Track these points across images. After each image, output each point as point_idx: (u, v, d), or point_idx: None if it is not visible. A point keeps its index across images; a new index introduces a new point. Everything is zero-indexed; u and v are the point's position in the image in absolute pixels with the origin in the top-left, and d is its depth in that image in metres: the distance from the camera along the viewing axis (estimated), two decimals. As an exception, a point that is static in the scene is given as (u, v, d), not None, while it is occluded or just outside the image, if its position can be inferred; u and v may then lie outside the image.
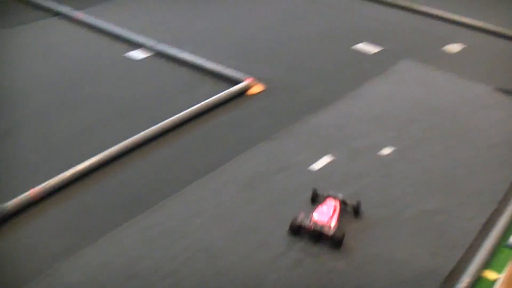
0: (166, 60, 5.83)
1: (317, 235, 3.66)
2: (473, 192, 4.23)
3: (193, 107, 4.90)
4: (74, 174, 4.04)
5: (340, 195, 3.95)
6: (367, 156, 4.55)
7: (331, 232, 3.63)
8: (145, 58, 5.84)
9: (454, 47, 6.70)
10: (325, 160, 4.45)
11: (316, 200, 3.97)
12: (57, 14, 6.69)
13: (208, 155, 4.47)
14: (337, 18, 7.33)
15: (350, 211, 3.93)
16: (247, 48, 6.27)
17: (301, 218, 3.70)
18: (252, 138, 4.68)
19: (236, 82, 5.40)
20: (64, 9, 6.73)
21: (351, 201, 3.93)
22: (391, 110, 5.25)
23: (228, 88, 5.30)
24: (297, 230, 3.69)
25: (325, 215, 3.76)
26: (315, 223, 3.67)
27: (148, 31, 6.37)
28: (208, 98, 5.06)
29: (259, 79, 5.52)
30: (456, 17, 7.47)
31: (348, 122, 5.04)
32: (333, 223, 3.70)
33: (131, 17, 6.83)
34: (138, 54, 5.88)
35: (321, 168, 4.36)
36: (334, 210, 3.82)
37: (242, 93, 5.30)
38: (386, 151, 4.62)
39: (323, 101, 5.33)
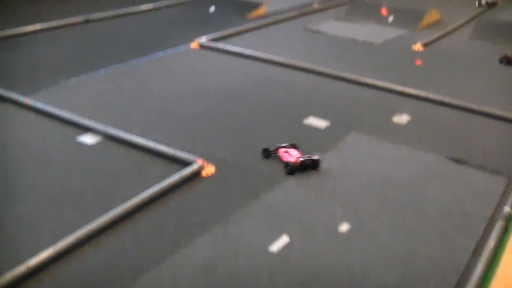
0: (116, 143, 5.74)
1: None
2: (433, 264, 4.21)
3: (146, 193, 4.79)
4: (24, 271, 3.86)
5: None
6: (324, 233, 4.50)
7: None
8: (95, 142, 5.75)
9: (402, 118, 6.81)
10: (282, 240, 4.38)
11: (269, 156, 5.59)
12: (4, 99, 6.59)
13: (164, 241, 4.35)
14: (286, 92, 7.40)
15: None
16: (197, 128, 6.23)
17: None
18: (208, 221, 4.58)
19: (188, 163, 5.33)
20: (12, 95, 6.63)
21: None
22: (345, 185, 5.24)
23: (180, 169, 5.22)
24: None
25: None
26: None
27: (97, 113, 6.29)
28: (160, 182, 4.97)
29: (210, 159, 5.47)
30: (402, 88, 7.64)
31: (303, 199, 5.01)
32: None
33: (80, 100, 6.76)
34: (88, 139, 5.79)
35: (279, 249, 4.29)
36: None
37: (194, 175, 5.23)
38: (343, 227, 4.59)
39: (276, 179, 5.30)
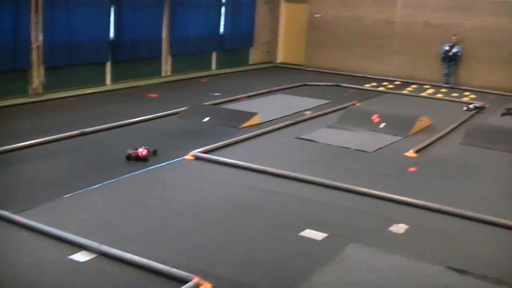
0: (110, 260, 5.62)
1: None
2: None
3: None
4: None
5: None
6: None
7: None
8: (88, 260, 5.62)
9: (399, 228, 6.75)
10: None
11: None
12: (-4, 218, 6.52)
13: None
14: (281, 204, 7.36)
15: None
16: (193, 243, 6.14)
17: None
18: None
19: (183, 281, 5.21)
20: (4, 213, 6.55)
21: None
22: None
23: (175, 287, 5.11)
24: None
25: None
26: None
27: (91, 230, 6.21)
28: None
29: (207, 276, 5.34)
30: (398, 197, 7.62)
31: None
32: None
33: (73, 216, 6.68)
34: (81, 257, 5.68)
35: None
36: None
37: (190, 292, 5.11)
38: None
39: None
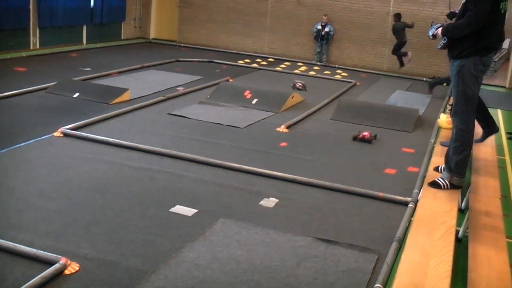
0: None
1: None
2: None
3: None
4: None
5: None
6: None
7: None
8: None
9: (270, 202, 6.82)
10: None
11: None
12: None
13: None
14: (152, 181, 7.23)
15: None
16: (60, 223, 5.89)
17: None
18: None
19: (51, 263, 5.01)
20: None
21: None
22: (213, 274, 5.10)
23: (42, 270, 4.87)
24: None
25: None
26: None
27: None
28: (22, 285, 4.64)
29: (74, 256, 5.17)
30: (268, 171, 7.70)
31: (172, 292, 4.83)
32: None
33: None
34: None
35: None
36: None
37: (57, 274, 4.91)
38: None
39: (143, 271, 5.07)
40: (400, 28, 17.05)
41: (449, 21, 7.26)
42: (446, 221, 5.52)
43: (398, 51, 17.41)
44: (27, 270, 4.97)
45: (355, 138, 9.75)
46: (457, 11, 6.84)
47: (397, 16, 17.22)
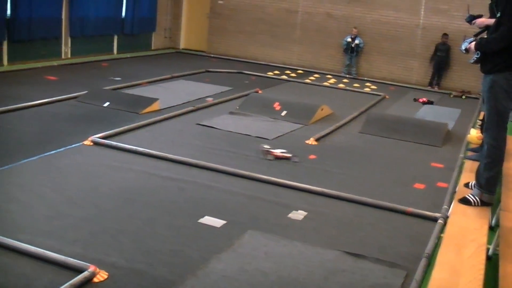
0: (3, 251, 5.35)
1: None
2: None
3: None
4: None
5: None
6: None
7: None
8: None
9: (298, 214, 6.81)
10: None
11: None
12: None
13: None
14: (181, 191, 7.25)
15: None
16: (89, 232, 5.94)
17: None
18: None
19: (79, 270, 5.04)
20: None
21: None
22: (241, 286, 5.10)
23: (71, 278, 4.91)
24: None
25: None
26: None
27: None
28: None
29: (102, 265, 5.20)
30: (297, 184, 7.69)
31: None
32: None
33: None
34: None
35: None
36: None
37: (86, 282, 4.94)
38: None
39: (171, 281, 5.08)
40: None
41: (468, 25, 7.27)
42: (477, 239, 5.47)
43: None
44: (56, 277, 5.01)
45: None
46: (475, 15, 6.80)
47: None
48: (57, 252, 5.35)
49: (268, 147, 9.06)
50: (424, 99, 15.39)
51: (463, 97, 16.78)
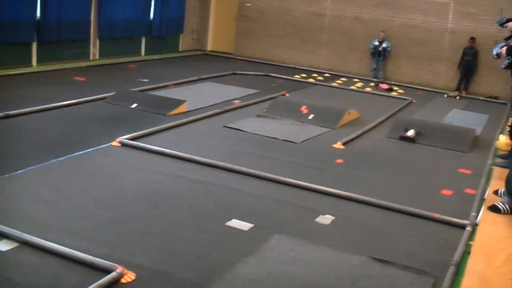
0: (31, 250, 5.42)
1: None
2: None
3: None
4: None
5: None
6: None
7: None
8: (10, 249, 5.41)
9: (326, 219, 6.79)
10: None
11: None
12: None
13: None
14: (208, 193, 7.27)
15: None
16: (117, 232, 5.98)
17: None
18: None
19: (107, 271, 5.08)
20: None
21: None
22: (269, 290, 5.11)
23: (99, 278, 4.95)
24: None
25: None
26: None
27: (12, 218, 5.96)
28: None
29: (129, 266, 5.23)
30: (324, 188, 7.67)
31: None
32: None
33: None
34: (3, 246, 5.44)
35: None
36: None
37: (113, 282, 4.97)
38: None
39: (198, 284, 5.10)
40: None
41: (496, 30, 7.23)
42: (506, 248, 5.41)
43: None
44: (83, 277, 5.05)
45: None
46: (506, 18, 6.73)
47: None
48: (84, 252, 5.40)
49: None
50: (385, 86, 16.99)
51: (457, 97, 16.76)
